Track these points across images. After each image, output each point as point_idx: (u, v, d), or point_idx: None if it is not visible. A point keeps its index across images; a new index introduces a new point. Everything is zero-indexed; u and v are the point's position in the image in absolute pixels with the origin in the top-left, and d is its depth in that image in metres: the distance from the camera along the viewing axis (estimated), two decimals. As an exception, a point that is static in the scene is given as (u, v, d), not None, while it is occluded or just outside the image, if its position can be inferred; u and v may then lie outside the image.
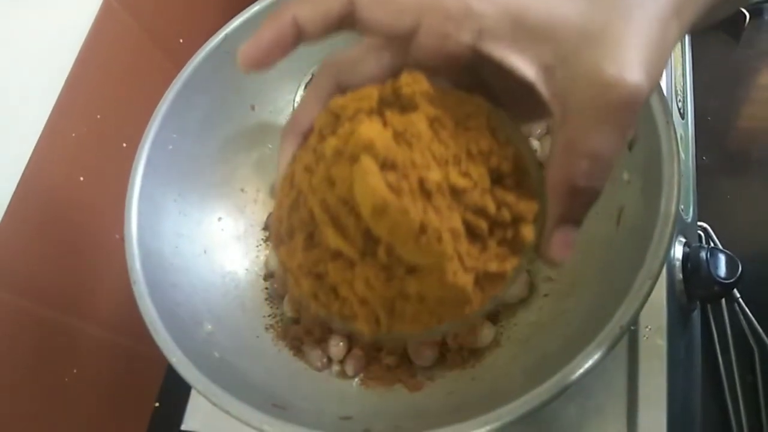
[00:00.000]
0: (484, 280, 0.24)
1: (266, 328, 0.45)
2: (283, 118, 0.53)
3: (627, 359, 0.43)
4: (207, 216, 0.48)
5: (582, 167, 0.22)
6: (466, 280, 0.22)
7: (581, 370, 0.31)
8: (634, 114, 0.21)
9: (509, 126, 0.24)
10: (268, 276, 0.48)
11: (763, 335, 0.55)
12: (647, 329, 0.43)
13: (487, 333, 0.41)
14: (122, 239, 0.41)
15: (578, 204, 0.23)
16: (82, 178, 0.49)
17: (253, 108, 0.51)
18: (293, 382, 0.41)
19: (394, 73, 0.25)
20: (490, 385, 0.38)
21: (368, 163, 0.20)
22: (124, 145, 0.53)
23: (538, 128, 0.47)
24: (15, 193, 0.43)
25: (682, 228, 0.48)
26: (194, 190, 0.47)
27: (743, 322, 0.56)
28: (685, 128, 0.54)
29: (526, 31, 0.21)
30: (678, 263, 0.46)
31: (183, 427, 0.47)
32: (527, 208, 0.23)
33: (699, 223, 0.57)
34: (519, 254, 0.24)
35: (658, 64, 0.21)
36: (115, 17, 0.52)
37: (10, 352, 0.43)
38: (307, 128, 0.26)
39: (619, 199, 0.39)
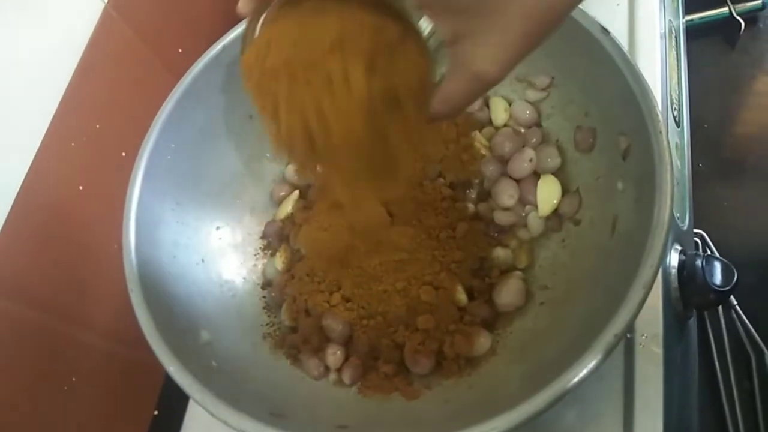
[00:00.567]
0: None
1: (264, 337, 0.45)
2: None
3: (624, 366, 0.43)
4: (205, 225, 0.48)
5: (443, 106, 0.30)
6: None
7: (577, 378, 0.31)
8: (482, 93, 0.29)
9: None
10: (266, 285, 0.48)
11: (760, 342, 0.56)
12: (643, 337, 0.43)
13: (483, 341, 0.41)
14: (120, 248, 0.41)
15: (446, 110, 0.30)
16: (81, 187, 0.50)
17: (251, 117, 0.52)
18: (290, 391, 0.41)
19: None
20: (487, 393, 0.39)
21: None
22: (123, 154, 0.53)
23: (533, 138, 0.47)
24: (14, 201, 0.43)
25: (677, 235, 0.48)
26: (192, 200, 0.47)
27: (740, 329, 0.56)
28: (680, 136, 0.55)
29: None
30: (674, 271, 0.46)
31: (181, 436, 0.47)
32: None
33: (695, 231, 0.58)
34: None
35: (518, 58, 0.27)
36: (115, 27, 0.52)
37: (9, 360, 0.43)
38: None
39: (613, 208, 0.40)
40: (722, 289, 0.44)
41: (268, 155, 0.53)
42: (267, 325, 0.46)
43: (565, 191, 0.45)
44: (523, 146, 0.47)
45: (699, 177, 0.61)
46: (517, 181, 0.47)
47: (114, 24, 0.52)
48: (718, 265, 0.45)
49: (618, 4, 0.56)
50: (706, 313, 0.57)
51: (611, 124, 0.41)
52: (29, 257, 0.45)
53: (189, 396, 0.35)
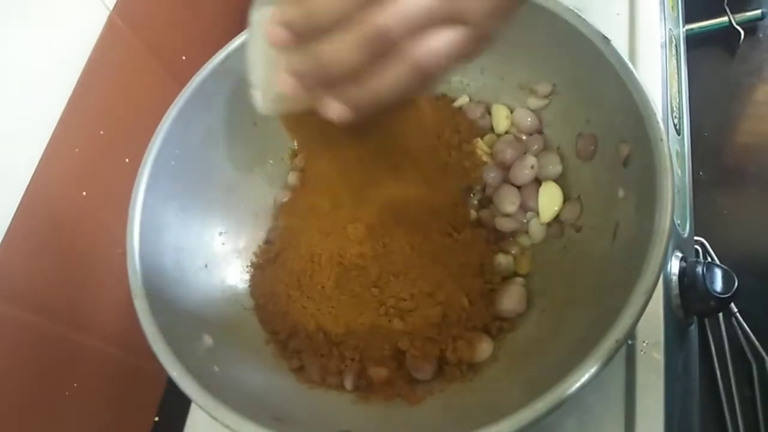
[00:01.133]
0: None
1: (266, 342, 0.45)
2: (284, 134, 0.53)
3: (625, 373, 0.43)
4: (208, 230, 0.49)
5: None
6: None
7: (578, 384, 0.31)
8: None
9: None
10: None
11: (761, 349, 0.56)
12: (644, 344, 0.43)
13: (485, 347, 0.41)
14: (124, 254, 0.41)
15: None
16: (84, 193, 0.50)
17: (254, 124, 0.52)
18: (292, 396, 0.41)
19: None
20: (489, 398, 0.39)
21: None
22: (127, 160, 0.53)
23: (534, 145, 0.48)
24: (19, 207, 0.43)
25: (678, 243, 0.49)
26: (196, 205, 0.48)
27: (741, 337, 0.57)
28: (681, 144, 0.55)
29: None
30: (675, 278, 0.46)
31: (183, 441, 0.47)
32: None
33: (696, 238, 0.58)
34: None
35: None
36: (119, 34, 0.52)
37: (10, 365, 0.44)
38: None
39: (614, 215, 0.40)
40: (723, 296, 0.44)
41: (271, 161, 0.54)
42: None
43: (566, 198, 0.45)
44: (525, 153, 0.47)
45: (699, 185, 0.61)
46: (519, 187, 0.47)
47: (118, 31, 0.52)
48: (718, 272, 0.45)
49: (618, 14, 0.57)
50: (706, 320, 0.57)
51: (612, 132, 0.41)
52: (33, 262, 0.45)
53: (192, 400, 0.35)
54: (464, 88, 0.52)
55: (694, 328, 0.52)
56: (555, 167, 0.46)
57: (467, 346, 0.41)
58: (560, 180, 0.46)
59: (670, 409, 0.42)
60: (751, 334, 0.56)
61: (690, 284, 0.45)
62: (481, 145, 0.49)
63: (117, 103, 0.53)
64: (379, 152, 0.37)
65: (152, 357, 0.37)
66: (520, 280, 0.44)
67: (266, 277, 0.47)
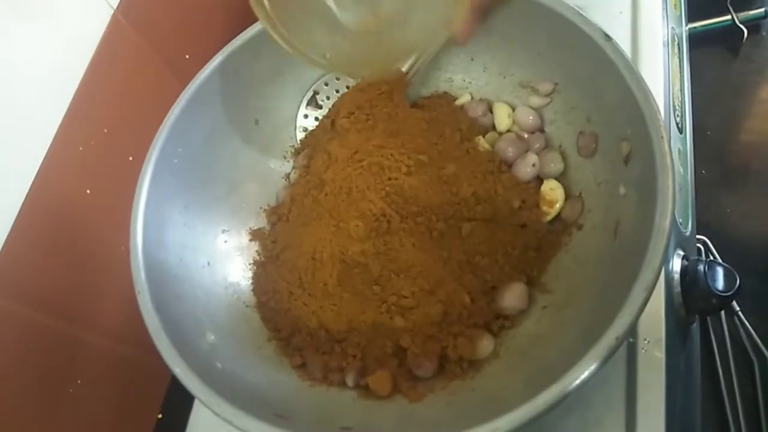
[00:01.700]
0: None
1: (268, 339, 0.45)
2: (286, 132, 0.54)
3: (626, 371, 0.43)
4: (211, 228, 0.49)
5: None
6: None
7: (577, 381, 0.31)
8: None
9: None
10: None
11: (763, 348, 0.56)
12: (646, 342, 0.43)
13: (486, 344, 0.41)
14: (128, 251, 0.41)
15: None
16: (88, 191, 0.50)
17: (256, 123, 0.52)
18: (295, 393, 0.42)
19: None
20: (490, 395, 0.39)
21: None
22: (131, 158, 0.54)
23: (536, 143, 0.48)
24: (23, 205, 0.44)
25: (680, 241, 0.49)
26: (199, 203, 0.48)
27: (743, 335, 0.57)
28: (683, 142, 0.55)
29: None
30: (676, 276, 0.46)
31: (186, 438, 0.48)
32: None
33: (698, 237, 0.58)
34: None
35: None
36: (123, 33, 0.53)
37: (15, 362, 0.44)
38: None
39: (616, 213, 0.40)
40: (724, 294, 0.44)
41: (273, 159, 0.54)
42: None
43: (567, 196, 0.45)
44: (527, 151, 0.47)
45: (702, 183, 0.61)
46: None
47: (122, 30, 0.52)
48: (720, 271, 0.45)
49: (621, 12, 0.57)
50: (708, 318, 0.57)
51: (613, 130, 0.41)
52: (37, 260, 0.46)
53: (195, 396, 0.36)
54: (466, 86, 0.52)
55: (696, 327, 0.52)
56: (556, 165, 0.46)
57: (468, 343, 0.41)
58: (562, 178, 0.46)
59: (671, 407, 0.42)
60: (753, 332, 0.56)
61: (691, 282, 0.45)
62: (482, 143, 0.49)
63: (120, 101, 0.53)
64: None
65: (156, 354, 0.37)
66: (521, 277, 0.44)
67: (268, 275, 0.48)
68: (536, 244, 0.44)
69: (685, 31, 0.64)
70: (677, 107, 0.56)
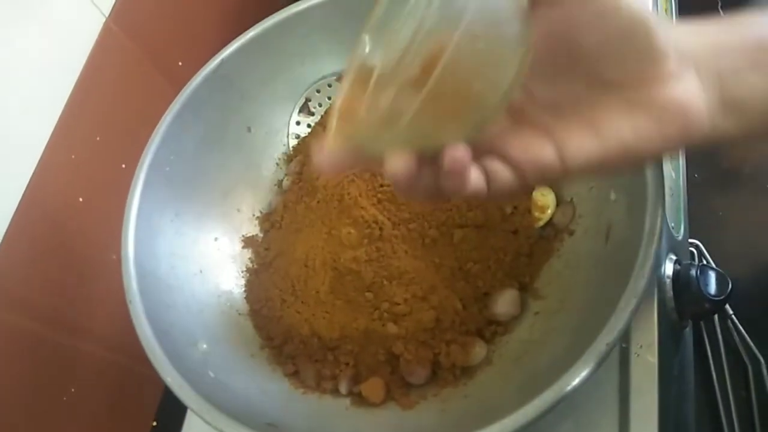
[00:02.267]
0: None
1: (261, 347, 0.45)
2: (278, 139, 0.54)
3: (619, 376, 0.43)
4: (203, 236, 0.49)
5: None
6: None
7: (570, 387, 0.31)
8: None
9: None
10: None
11: (756, 351, 0.56)
12: (639, 346, 0.43)
13: (479, 351, 0.41)
14: (119, 259, 0.41)
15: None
16: (81, 199, 0.50)
17: (249, 130, 0.52)
18: (287, 401, 0.42)
19: None
20: (483, 402, 0.39)
21: None
22: (123, 166, 0.53)
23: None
24: (15, 213, 0.44)
25: (673, 245, 0.49)
26: (191, 211, 0.48)
27: (736, 339, 0.56)
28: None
29: None
30: (669, 280, 0.46)
31: (179, 446, 0.47)
32: None
33: (690, 241, 0.58)
34: None
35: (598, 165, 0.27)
36: (115, 40, 0.53)
37: (9, 371, 0.44)
38: None
39: (607, 218, 0.40)
40: (716, 298, 0.44)
41: (265, 167, 0.54)
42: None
43: (559, 201, 0.45)
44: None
45: (694, 187, 0.61)
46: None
47: (114, 37, 0.52)
48: (712, 275, 0.45)
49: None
50: (702, 322, 0.57)
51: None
52: (29, 268, 0.45)
53: (187, 406, 0.36)
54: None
55: (689, 331, 0.52)
56: (548, 171, 0.46)
57: (461, 350, 0.41)
58: (553, 183, 0.46)
59: (664, 412, 0.42)
60: (747, 336, 0.56)
61: (684, 287, 0.45)
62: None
63: (113, 108, 0.53)
64: None
65: (149, 362, 0.37)
66: (514, 282, 0.44)
67: (261, 283, 0.48)
68: (528, 250, 0.44)
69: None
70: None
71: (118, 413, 0.55)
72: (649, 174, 0.35)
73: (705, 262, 0.59)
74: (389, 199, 0.44)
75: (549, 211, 0.45)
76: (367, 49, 0.26)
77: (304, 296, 0.44)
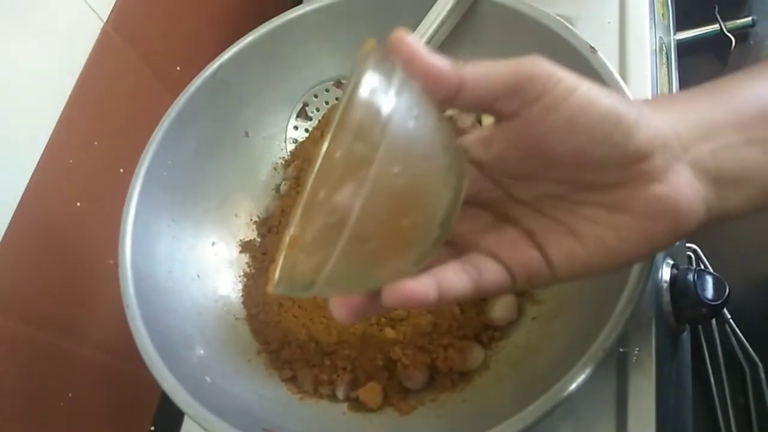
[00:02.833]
0: None
1: (258, 353, 0.45)
2: (276, 144, 0.54)
3: (616, 380, 0.43)
4: (200, 241, 0.49)
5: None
6: None
7: (567, 392, 0.31)
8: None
9: None
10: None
11: (754, 355, 0.56)
12: (636, 351, 0.43)
13: (476, 356, 0.41)
14: (116, 264, 0.41)
15: None
16: (78, 204, 0.50)
17: (246, 134, 0.52)
18: (284, 406, 0.41)
19: None
20: (480, 407, 0.39)
21: None
22: (121, 170, 0.53)
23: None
24: (12, 217, 0.43)
25: (670, 250, 0.49)
26: (188, 216, 0.48)
27: (734, 343, 0.57)
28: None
29: None
30: (666, 285, 0.46)
31: (176, 451, 0.47)
32: None
33: (688, 245, 0.58)
34: None
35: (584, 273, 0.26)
36: (113, 45, 0.53)
37: (5, 375, 0.44)
38: None
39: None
40: (714, 303, 0.44)
41: (263, 171, 0.54)
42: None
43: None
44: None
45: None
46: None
47: (112, 42, 0.52)
48: (709, 280, 0.45)
49: (609, 22, 0.57)
50: (700, 327, 0.57)
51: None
52: (26, 273, 0.45)
53: (183, 411, 0.36)
54: (455, 97, 0.52)
55: (686, 336, 0.52)
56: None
57: (458, 354, 0.41)
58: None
59: (662, 416, 0.42)
60: (745, 341, 0.56)
61: (681, 291, 0.45)
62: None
63: (111, 113, 0.53)
64: None
65: (146, 367, 0.37)
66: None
67: (258, 287, 0.47)
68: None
69: (674, 40, 0.64)
70: (666, 116, 0.56)
71: (116, 418, 0.55)
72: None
73: (702, 266, 0.59)
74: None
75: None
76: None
77: (301, 301, 0.44)
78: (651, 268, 0.33)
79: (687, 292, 0.45)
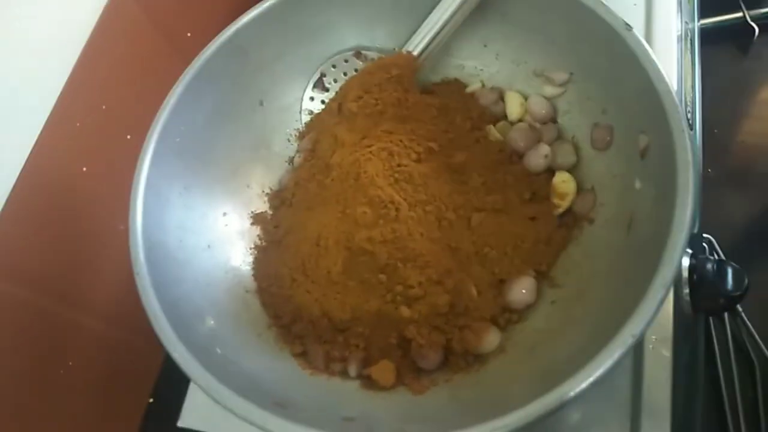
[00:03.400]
0: None
1: (268, 326, 0.44)
2: (291, 115, 0.52)
3: (632, 369, 0.42)
4: (212, 210, 0.48)
5: None
6: None
7: (591, 379, 0.30)
8: None
9: None
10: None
11: (765, 349, 0.55)
12: (654, 339, 0.43)
13: (492, 338, 0.40)
14: (125, 230, 0.40)
15: None
16: (84, 169, 0.49)
17: (261, 103, 0.51)
18: (295, 381, 0.41)
19: None
20: (495, 390, 0.38)
21: None
22: (128, 137, 0.52)
23: (548, 134, 0.47)
24: (17, 181, 0.42)
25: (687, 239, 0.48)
26: (200, 185, 0.47)
27: (745, 336, 0.56)
28: (692, 139, 0.54)
29: None
30: (685, 274, 0.45)
31: (180, 424, 0.46)
32: None
33: (703, 235, 0.57)
34: None
35: None
36: (124, 8, 0.51)
37: (5, 342, 0.43)
38: None
39: (630, 207, 0.39)
40: (733, 294, 0.44)
41: (277, 142, 0.52)
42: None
43: (579, 188, 0.44)
44: (538, 142, 0.46)
45: (707, 182, 0.61)
46: (532, 177, 0.46)
47: (123, 4, 0.51)
48: (729, 270, 0.45)
49: (635, 4, 0.56)
50: (711, 319, 0.57)
51: (630, 122, 0.40)
52: (30, 238, 0.44)
53: (193, 381, 0.34)
54: (477, 73, 0.51)
55: (700, 327, 0.52)
56: (569, 157, 0.45)
57: (474, 336, 0.40)
58: (574, 170, 0.45)
59: (676, 407, 0.41)
60: (756, 335, 0.56)
61: (699, 281, 0.45)
62: (493, 132, 0.48)
63: (120, 77, 0.52)
64: None
65: (148, 336, 0.36)
66: (530, 270, 0.43)
67: (270, 260, 0.46)
68: (546, 237, 0.43)
69: (697, 26, 0.63)
70: (688, 104, 0.55)
71: (115, 388, 0.55)
72: (680, 163, 0.34)
73: (717, 257, 0.58)
74: (406, 180, 0.43)
75: (569, 199, 0.44)
76: None
77: (315, 276, 0.43)
78: (683, 253, 0.32)
79: (706, 282, 0.44)
